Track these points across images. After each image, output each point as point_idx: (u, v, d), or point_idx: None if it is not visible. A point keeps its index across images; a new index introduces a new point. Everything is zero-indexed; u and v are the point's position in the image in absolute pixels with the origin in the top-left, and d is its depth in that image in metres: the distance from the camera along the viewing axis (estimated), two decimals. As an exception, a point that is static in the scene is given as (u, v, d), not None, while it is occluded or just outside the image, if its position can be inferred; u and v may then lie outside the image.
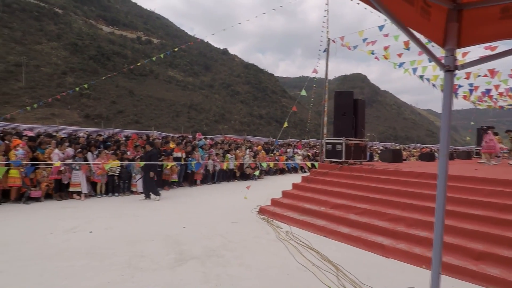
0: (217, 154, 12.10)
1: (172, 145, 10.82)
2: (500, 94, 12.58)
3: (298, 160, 17.03)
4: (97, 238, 4.84)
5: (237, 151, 13.44)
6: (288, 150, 18.10)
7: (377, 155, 18.79)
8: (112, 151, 8.92)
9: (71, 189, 7.81)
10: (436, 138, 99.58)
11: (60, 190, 7.86)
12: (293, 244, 4.77)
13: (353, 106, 7.90)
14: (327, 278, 3.59)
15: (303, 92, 9.30)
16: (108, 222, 5.78)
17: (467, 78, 10.78)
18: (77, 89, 12.49)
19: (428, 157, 12.41)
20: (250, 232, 5.44)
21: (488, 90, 12.00)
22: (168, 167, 9.65)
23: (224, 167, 11.92)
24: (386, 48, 9.26)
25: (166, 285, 3.32)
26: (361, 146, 8.15)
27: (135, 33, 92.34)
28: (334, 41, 9.39)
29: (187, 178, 11.01)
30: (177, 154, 10.27)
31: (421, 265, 3.97)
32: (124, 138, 12.91)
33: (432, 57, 1.43)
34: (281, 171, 16.03)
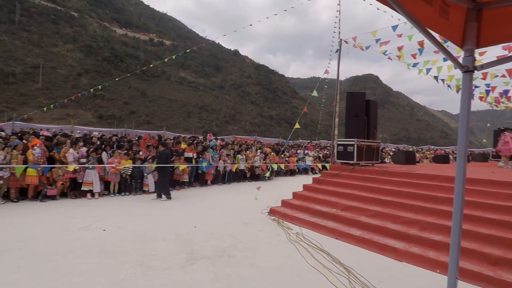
0: (227, 155, 12.16)
1: (183, 145, 10.94)
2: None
3: (309, 161, 16.94)
4: (110, 236, 4.93)
5: (248, 152, 13.46)
6: (298, 151, 18.02)
7: (389, 157, 18.52)
8: (125, 151, 9.08)
9: (83, 188, 7.98)
10: (450, 140, 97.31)
11: (75, 188, 8.05)
12: (303, 246, 4.74)
13: (365, 107, 7.80)
14: (338, 280, 3.55)
15: (315, 93, 9.25)
16: (121, 221, 5.88)
17: (484, 78, 10.49)
18: (91, 90, 12.77)
19: (443, 159, 12.14)
20: (261, 233, 5.44)
21: (506, 91, 11.66)
22: (181, 169, 9.76)
23: (234, 169, 11.96)
24: (399, 49, 9.11)
25: (177, 284, 3.35)
26: (373, 148, 8.04)
27: (148, 35, 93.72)
28: (346, 42, 9.31)
29: (198, 178, 11.10)
30: (188, 154, 10.36)
31: (435, 269, 3.89)
32: (136, 138, 13.12)
33: (451, 57, 1.40)
34: (292, 172, 15.97)
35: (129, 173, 8.78)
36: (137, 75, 56.54)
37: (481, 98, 13.12)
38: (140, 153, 9.63)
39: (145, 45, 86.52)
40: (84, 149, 8.39)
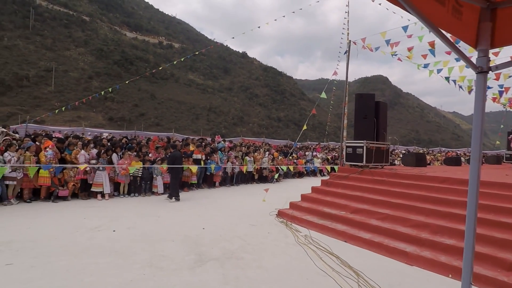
0: (236, 157, 12.18)
1: (192, 147, 11.01)
2: (534, 96, 11.88)
3: (317, 163, 16.84)
4: (120, 236, 4.99)
5: (256, 153, 13.47)
6: (307, 153, 17.94)
7: (399, 159, 18.26)
8: (135, 153, 9.19)
9: (93, 189, 8.10)
10: (462, 142, 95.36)
11: (85, 189, 8.18)
12: (312, 249, 4.71)
13: (374, 109, 7.72)
14: (347, 284, 3.51)
15: (323, 95, 9.22)
16: (130, 222, 5.94)
17: (497, 79, 10.25)
18: (102, 93, 13.00)
19: (454, 161, 11.91)
20: (269, 235, 5.43)
21: (520, 92, 11.36)
22: (192, 170, 9.84)
23: (244, 170, 11.98)
24: (410, 49, 9.00)
25: (186, 285, 3.36)
26: (383, 150, 7.94)
27: (157, 38, 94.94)
28: (355, 43, 9.25)
29: (206, 180, 11.15)
30: (197, 156, 10.43)
31: (447, 274, 3.81)
32: (145, 140, 13.26)
33: (464, 58, 1.38)
34: (300, 174, 15.90)
35: (139, 175, 8.88)
36: (146, 77, 57.28)
37: (494, 99, 12.82)
38: (150, 155, 9.74)
39: (155, 48, 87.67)
40: (94, 151, 8.52)
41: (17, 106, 42.83)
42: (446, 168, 10.15)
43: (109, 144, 9.63)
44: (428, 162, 14.66)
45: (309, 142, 28.09)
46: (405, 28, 8.01)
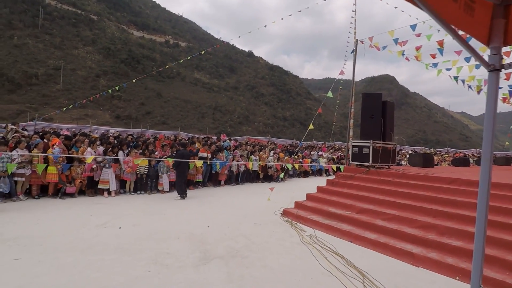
0: (241, 156, 12.19)
1: (198, 145, 11.06)
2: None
3: (323, 163, 16.77)
4: (125, 234, 5.03)
5: (261, 152, 13.46)
6: (312, 152, 17.86)
7: (406, 159, 18.08)
8: (141, 151, 9.25)
9: (100, 186, 8.18)
10: (470, 143, 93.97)
11: (92, 187, 8.26)
12: (317, 248, 4.68)
13: (381, 108, 7.64)
14: (352, 284, 3.48)
15: (329, 94, 9.15)
16: (136, 219, 5.99)
17: (507, 79, 10.07)
18: (109, 91, 13.11)
19: (462, 162, 11.74)
20: (274, 234, 5.42)
21: (531, 92, 11.13)
22: (196, 167, 9.88)
23: (250, 167, 12.00)
24: (418, 49, 8.88)
25: (190, 283, 3.37)
26: (389, 150, 7.86)
27: (164, 37, 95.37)
28: (362, 42, 9.17)
29: (212, 179, 11.18)
30: (203, 154, 10.46)
31: (454, 276, 3.75)
32: (152, 138, 13.35)
33: (476, 55, 1.34)
34: (305, 174, 15.85)
35: (145, 173, 8.94)
36: (153, 76, 57.68)
37: (504, 100, 12.59)
38: (156, 153, 9.80)
39: (161, 47, 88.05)
40: (101, 148, 8.60)
41: (26, 104, 43.43)
42: (454, 169, 10.01)
43: (115, 141, 9.71)
44: (436, 162, 14.48)
45: (315, 142, 27.96)
46: (413, 27, 7.90)
